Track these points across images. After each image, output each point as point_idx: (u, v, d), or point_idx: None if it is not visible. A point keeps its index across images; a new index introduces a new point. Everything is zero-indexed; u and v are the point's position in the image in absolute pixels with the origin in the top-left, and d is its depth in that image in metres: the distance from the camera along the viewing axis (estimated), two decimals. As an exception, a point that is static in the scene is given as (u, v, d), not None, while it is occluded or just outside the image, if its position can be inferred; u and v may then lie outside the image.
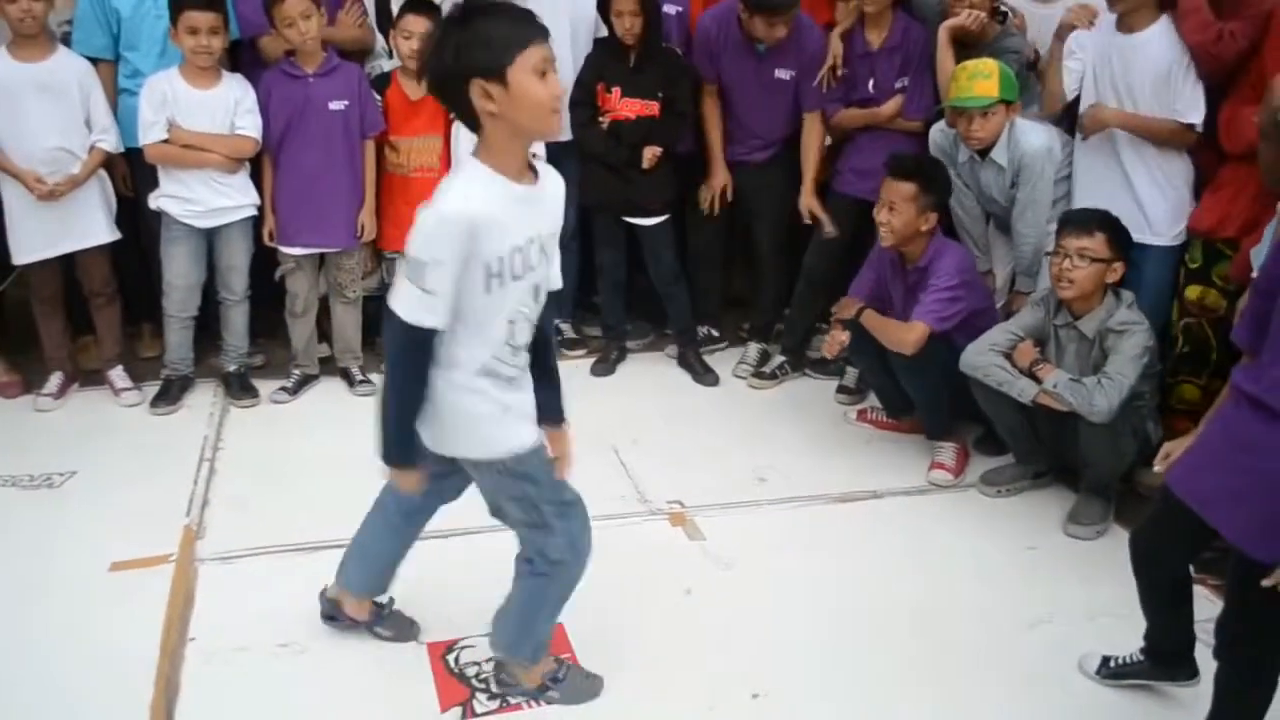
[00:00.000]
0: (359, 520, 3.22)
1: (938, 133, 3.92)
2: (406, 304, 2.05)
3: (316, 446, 3.79)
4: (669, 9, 4.36)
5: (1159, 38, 3.48)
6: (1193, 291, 3.51)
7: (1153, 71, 3.50)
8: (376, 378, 4.33)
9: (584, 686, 2.55)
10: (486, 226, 2.03)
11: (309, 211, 4.07)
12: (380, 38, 4.46)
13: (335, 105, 3.99)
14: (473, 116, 2.03)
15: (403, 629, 2.75)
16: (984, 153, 3.73)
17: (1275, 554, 2.02)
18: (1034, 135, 3.70)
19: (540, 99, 1.99)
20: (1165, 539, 2.38)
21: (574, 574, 2.38)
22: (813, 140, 4.32)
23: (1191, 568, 2.48)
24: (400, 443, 2.21)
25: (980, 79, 3.59)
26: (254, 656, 2.66)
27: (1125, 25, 3.53)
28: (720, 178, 4.40)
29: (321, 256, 4.21)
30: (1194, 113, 3.47)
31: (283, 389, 4.22)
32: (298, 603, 2.86)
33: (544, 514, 2.28)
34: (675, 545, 3.24)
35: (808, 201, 4.34)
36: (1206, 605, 2.52)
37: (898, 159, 3.72)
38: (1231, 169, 3.45)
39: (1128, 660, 2.62)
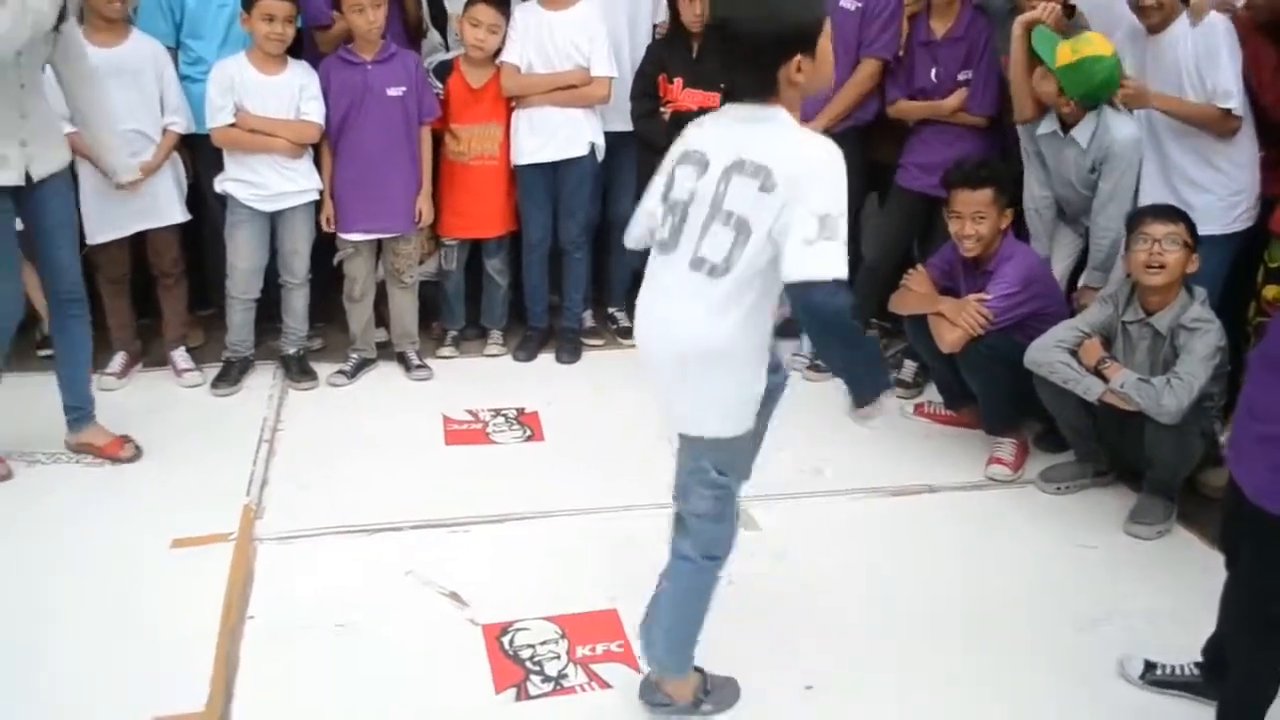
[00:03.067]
0: (415, 503, 3.29)
1: None
2: (836, 261, 1.85)
3: (373, 429, 3.83)
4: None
5: (1185, 30, 3.43)
6: (1270, 291, 3.43)
7: (1185, 62, 3.42)
8: (433, 363, 4.38)
9: (729, 691, 2.48)
10: None
11: (367, 197, 4.09)
12: (435, 33, 4.47)
13: (393, 91, 4.01)
14: (767, 83, 1.90)
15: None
16: (1068, 129, 3.67)
17: None
18: (1125, 125, 3.62)
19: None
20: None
21: (718, 573, 2.32)
22: (857, 81, 4.15)
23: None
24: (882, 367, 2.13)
25: (1087, 43, 3.51)
26: (312, 635, 2.69)
27: (1154, 29, 3.48)
28: None
29: (379, 242, 4.24)
30: (1230, 98, 3.37)
31: (340, 372, 4.25)
32: (355, 583, 2.90)
33: (725, 503, 2.22)
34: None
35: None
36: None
37: (962, 170, 3.65)
38: None
39: (1177, 670, 2.53)
